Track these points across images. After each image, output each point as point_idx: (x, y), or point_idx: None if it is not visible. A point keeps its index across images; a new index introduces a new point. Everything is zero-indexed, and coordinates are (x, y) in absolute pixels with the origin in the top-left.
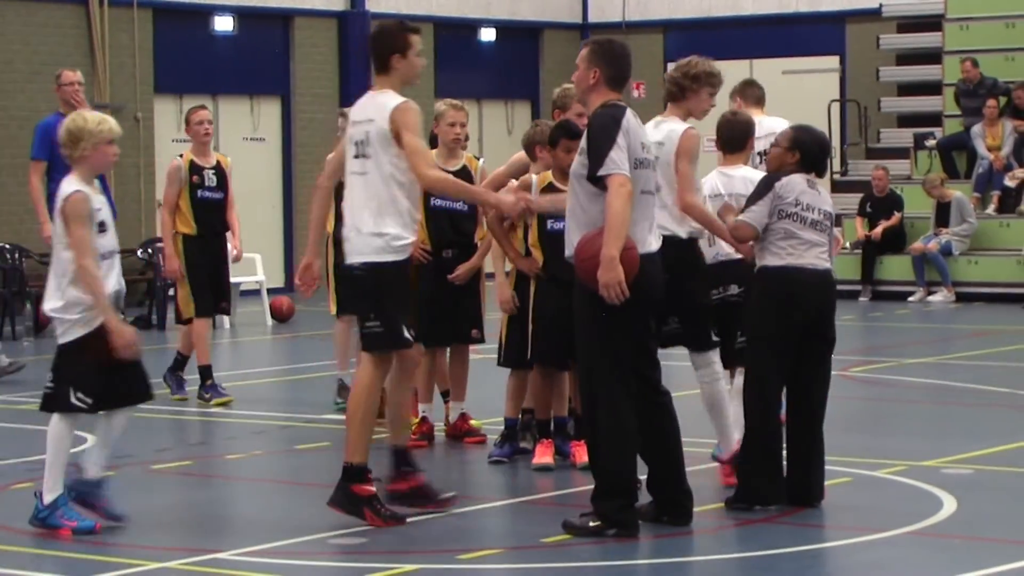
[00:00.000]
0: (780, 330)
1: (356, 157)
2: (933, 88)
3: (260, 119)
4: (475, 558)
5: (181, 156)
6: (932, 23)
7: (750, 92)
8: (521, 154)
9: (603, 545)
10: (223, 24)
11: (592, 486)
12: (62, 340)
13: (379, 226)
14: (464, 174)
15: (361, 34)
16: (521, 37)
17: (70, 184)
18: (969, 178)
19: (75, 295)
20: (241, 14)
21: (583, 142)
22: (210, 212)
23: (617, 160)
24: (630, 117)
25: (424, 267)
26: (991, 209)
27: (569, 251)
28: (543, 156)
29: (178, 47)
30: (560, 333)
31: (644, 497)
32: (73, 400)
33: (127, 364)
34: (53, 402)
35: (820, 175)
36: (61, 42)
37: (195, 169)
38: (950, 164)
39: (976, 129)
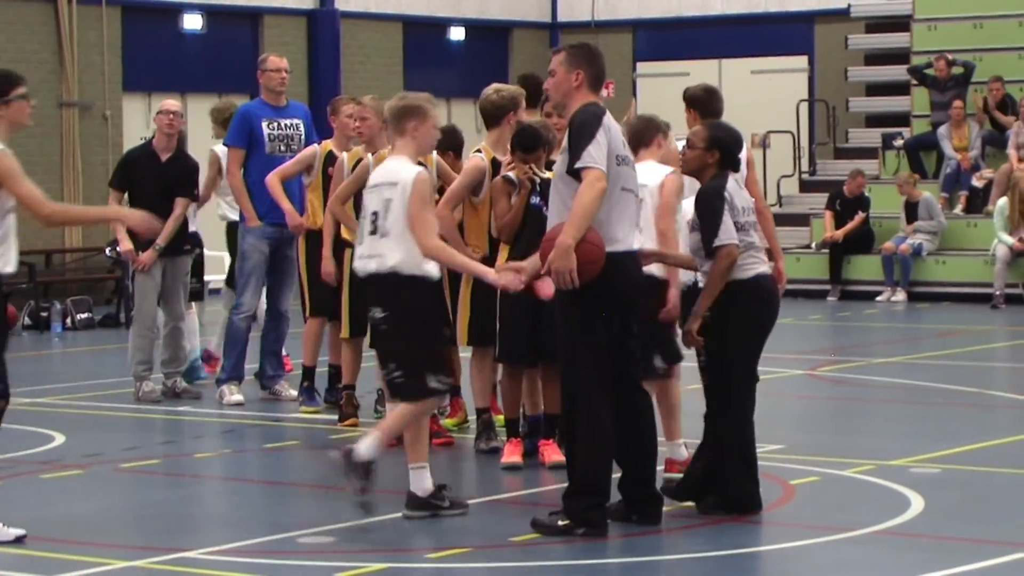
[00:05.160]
0: (760, 341)
1: None
2: (901, 88)
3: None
4: (443, 557)
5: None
6: (900, 23)
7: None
8: (475, 161)
9: (571, 544)
10: (192, 22)
11: (560, 484)
12: None
13: None
14: None
15: (331, 32)
16: (490, 36)
17: None
18: (937, 178)
19: None
20: (210, 12)
21: (564, 139)
22: None
23: (595, 155)
24: (610, 116)
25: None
26: (958, 209)
27: None
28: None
29: (147, 45)
30: (523, 330)
31: (614, 496)
32: None
33: None
34: None
35: (736, 170)
36: (29, 39)
37: (332, 161)
38: (918, 164)
39: (942, 130)
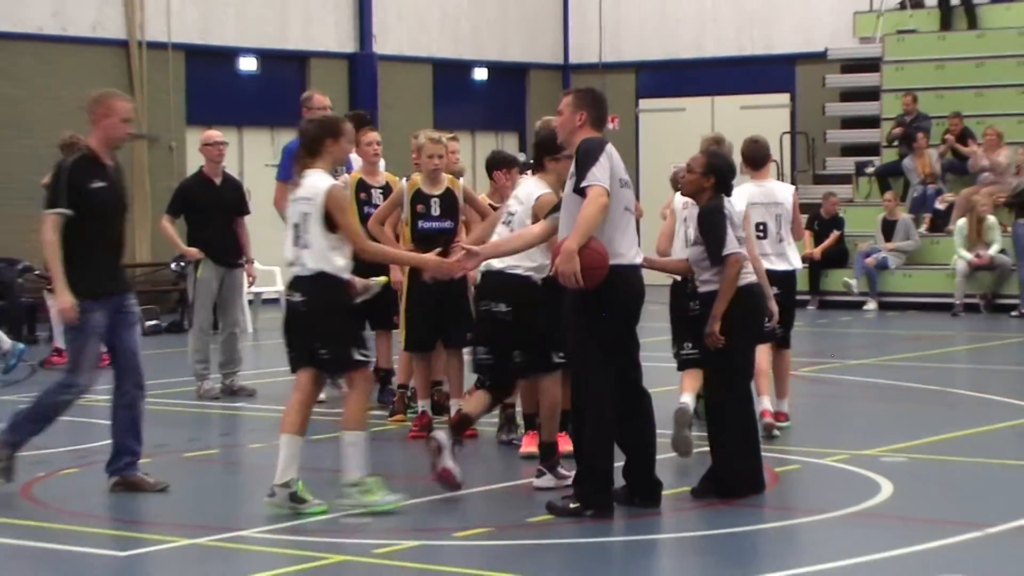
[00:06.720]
0: (757, 337)
1: None
2: (872, 122)
3: (280, 148)
4: (469, 535)
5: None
6: (871, 65)
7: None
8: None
9: (582, 524)
10: (247, 64)
11: (572, 471)
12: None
13: None
14: (449, 196)
15: (369, 73)
16: (510, 76)
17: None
18: (904, 201)
19: None
20: (263, 55)
21: (572, 166)
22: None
23: (599, 175)
24: (611, 146)
25: (414, 276)
26: (923, 228)
27: None
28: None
29: (207, 84)
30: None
31: (619, 481)
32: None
33: None
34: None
35: (728, 195)
36: (104, 80)
37: (363, 187)
38: (887, 189)
39: (907, 162)
